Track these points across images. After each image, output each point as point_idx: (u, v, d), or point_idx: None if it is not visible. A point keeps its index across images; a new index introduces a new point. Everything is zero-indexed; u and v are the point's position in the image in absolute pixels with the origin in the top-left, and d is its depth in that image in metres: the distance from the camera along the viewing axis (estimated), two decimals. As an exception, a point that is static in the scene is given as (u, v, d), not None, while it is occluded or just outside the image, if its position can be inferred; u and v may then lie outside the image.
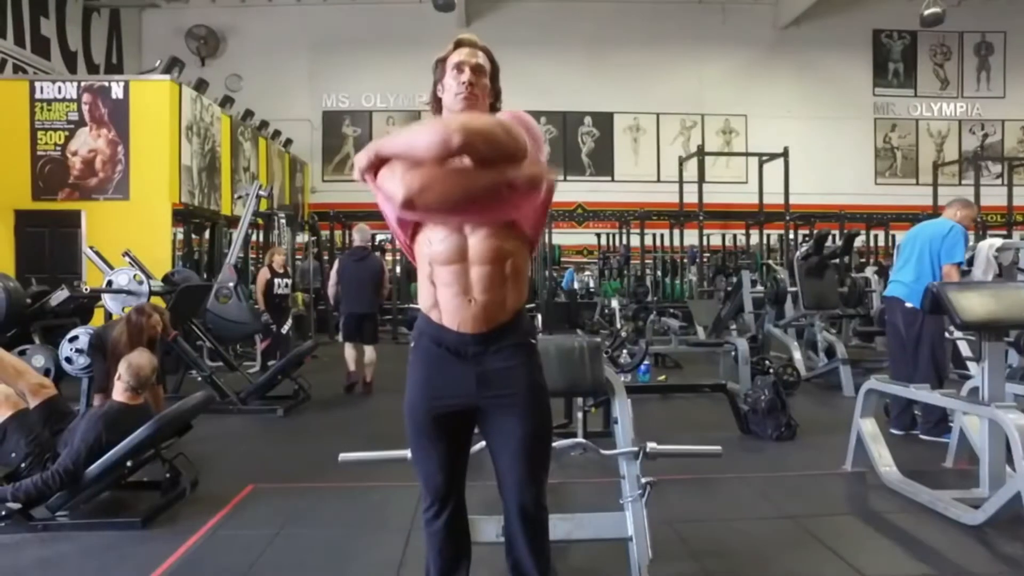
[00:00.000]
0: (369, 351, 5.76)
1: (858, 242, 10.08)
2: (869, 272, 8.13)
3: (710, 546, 2.62)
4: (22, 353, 4.75)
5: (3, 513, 2.74)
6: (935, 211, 12.36)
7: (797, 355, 6.11)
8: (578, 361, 2.39)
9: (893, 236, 11.98)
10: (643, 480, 2.27)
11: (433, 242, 1.58)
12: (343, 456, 2.32)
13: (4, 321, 3.93)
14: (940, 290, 3.09)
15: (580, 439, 2.62)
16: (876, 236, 12.35)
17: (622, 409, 2.47)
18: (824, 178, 12.75)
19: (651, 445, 2.31)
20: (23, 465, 2.91)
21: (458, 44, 1.69)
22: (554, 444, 2.39)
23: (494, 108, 1.71)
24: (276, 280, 6.84)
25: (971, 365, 4.56)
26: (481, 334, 1.60)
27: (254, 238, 9.24)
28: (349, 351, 5.74)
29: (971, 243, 4.95)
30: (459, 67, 1.65)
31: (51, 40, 10.47)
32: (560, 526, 2.32)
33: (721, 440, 3.75)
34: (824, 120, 13.35)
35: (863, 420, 3.43)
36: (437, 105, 1.72)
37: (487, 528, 2.13)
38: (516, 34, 12.89)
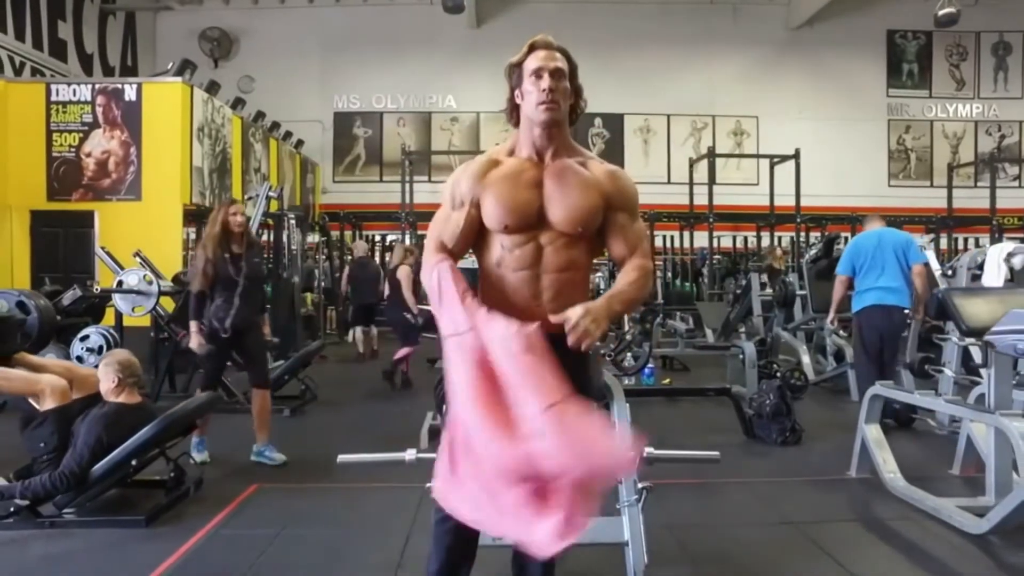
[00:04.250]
0: (373, 329, 8.03)
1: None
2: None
3: (709, 552, 2.61)
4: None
5: (12, 509, 2.80)
6: (949, 213, 12.23)
7: (805, 359, 6.06)
8: (576, 365, 2.38)
9: (907, 239, 11.83)
10: (640, 485, 2.27)
11: (505, 246, 1.58)
12: (341, 458, 2.34)
13: (36, 337, 3.98)
14: (946, 296, 3.06)
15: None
16: (889, 239, 12.20)
17: (620, 413, 2.47)
18: (836, 180, 12.64)
19: (648, 449, 2.30)
20: (44, 458, 2.94)
21: (532, 47, 1.63)
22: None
23: (575, 109, 1.67)
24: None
25: (984, 372, 4.54)
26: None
27: (264, 238, 9.30)
28: (358, 333, 7.64)
29: (983, 248, 5.01)
30: (538, 73, 1.58)
31: (68, 43, 10.63)
32: (557, 530, 2.32)
33: (725, 444, 3.76)
34: (837, 121, 13.22)
35: (868, 425, 3.40)
36: (515, 113, 1.66)
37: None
38: (525, 35, 12.47)
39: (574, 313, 1.47)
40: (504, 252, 1.58)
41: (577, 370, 1.65)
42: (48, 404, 2.96)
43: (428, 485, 1.89)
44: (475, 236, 1.65)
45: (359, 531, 2.86)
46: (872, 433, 3.39)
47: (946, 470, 3.49)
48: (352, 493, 3.24)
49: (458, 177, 1.67)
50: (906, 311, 4.38)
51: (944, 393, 3.95)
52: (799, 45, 13.23)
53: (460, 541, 1.70)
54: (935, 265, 5.17)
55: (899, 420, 4.42)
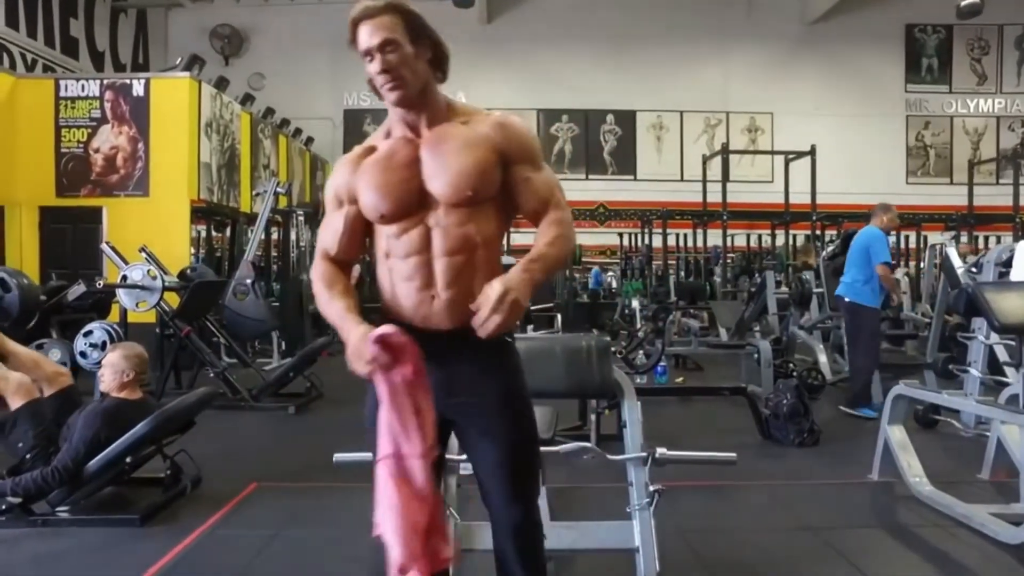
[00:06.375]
0: None
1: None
2: (899, 274, 7.85)
3: (723, 558, 2.49)
4: (39, 347, 4.80)
5: (3, 507, 2.73)
6: (970, 211, 11.94)
7: (822, 358, 5.90)
8: (585, 361, 2.27)
9: (925, 237, 11.61)
10: (651, 487, 2.15)
11: (390, 235, 1.43)
12: (337, 456, 2.25)
13: (18, 316, 3.94)
14: (977, 292, 2.91)
15: (584, 443, 2.50)
16: (907, 237, 11.95)
17: (631, 412, 2.34)
18: (853, 177, 12.39)
19: (661, 451, 2.19)
20: (28, 456, 2.88)
21: (354, 24, 1.44)
22: (558, 448, 2.29)
23: (439, 61, 1.46)
24: None
25: (1009, 371, 4.38)
26: (446, 331, 1.42)
27: (274, 235, 9.27)
28: None
29: (1008, 245, 4.87)
30: (367, 55, 1.42)
31: (80, 40, 10.66)
32: (564, 535, 2.21)
33: (740, 445, 3.61)
34: (853, 118, 12.98)
35: (891, 427, 3.25)
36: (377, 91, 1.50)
37: (484, 535, 2.02)
38: (538, 31, 12.80)
39: (492, 292, 1.28)
40: (391, 240, 1.43)
41: (496, 366, 1.46)
42: (16, 403, 2.90)
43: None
44: (362, 233, 1.51)
45: (357, 532, 2.73)
46: (895, 435, 3.24)
47: (974, 474, 3.33)
48: (351, 492, 3.10)
49: (334, 173, 1.54)
50: (848, 300, 4.79)
51: (971, 393, 3.79)
52: (815, 40, 13.00)
53: None
54: (957, 263, 5.02)
55: (919, 421, 4.27)
